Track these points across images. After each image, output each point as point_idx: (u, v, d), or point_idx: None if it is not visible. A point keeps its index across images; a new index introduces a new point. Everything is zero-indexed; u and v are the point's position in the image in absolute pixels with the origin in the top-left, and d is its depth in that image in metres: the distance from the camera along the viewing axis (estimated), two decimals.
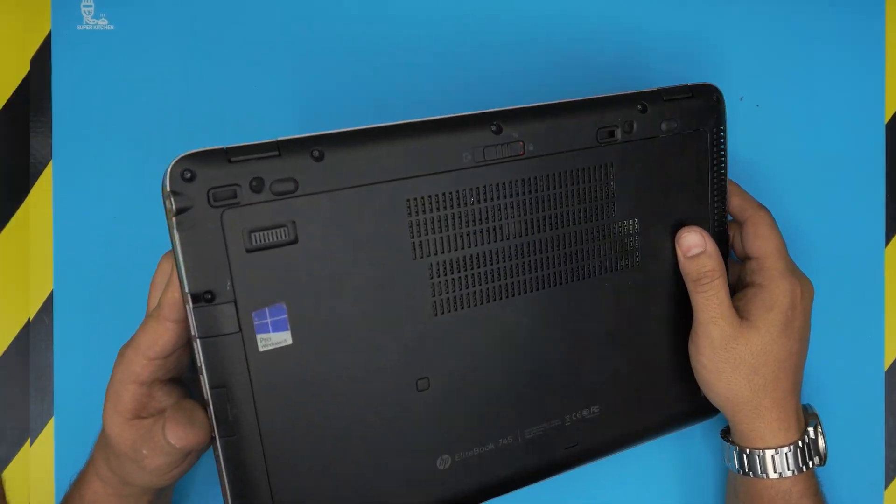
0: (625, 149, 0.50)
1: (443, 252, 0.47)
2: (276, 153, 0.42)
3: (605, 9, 0.62)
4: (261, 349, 0.43)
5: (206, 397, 0.44)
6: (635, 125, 0.50)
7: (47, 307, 0.60)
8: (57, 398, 0.60)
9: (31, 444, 0.60)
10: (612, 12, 0.62)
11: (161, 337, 0.45)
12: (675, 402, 0.56)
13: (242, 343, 0.43)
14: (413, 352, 0.47)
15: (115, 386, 0.47)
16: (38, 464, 0.60)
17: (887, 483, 0.63)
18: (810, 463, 0.54)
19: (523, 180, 0.48)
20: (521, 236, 0.49)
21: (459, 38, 0.61)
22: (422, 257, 0.46)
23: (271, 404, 0.44)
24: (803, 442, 0.54)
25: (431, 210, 0.46)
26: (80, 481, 0.52)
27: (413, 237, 0.46)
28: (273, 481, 0.45)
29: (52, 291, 0.60)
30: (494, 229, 0.48)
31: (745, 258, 0.56)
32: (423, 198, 0.46)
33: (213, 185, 0.41)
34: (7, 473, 0.60)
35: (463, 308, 0.48)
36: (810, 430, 0.55)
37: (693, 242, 0.52)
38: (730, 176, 0.55)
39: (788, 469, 0.53)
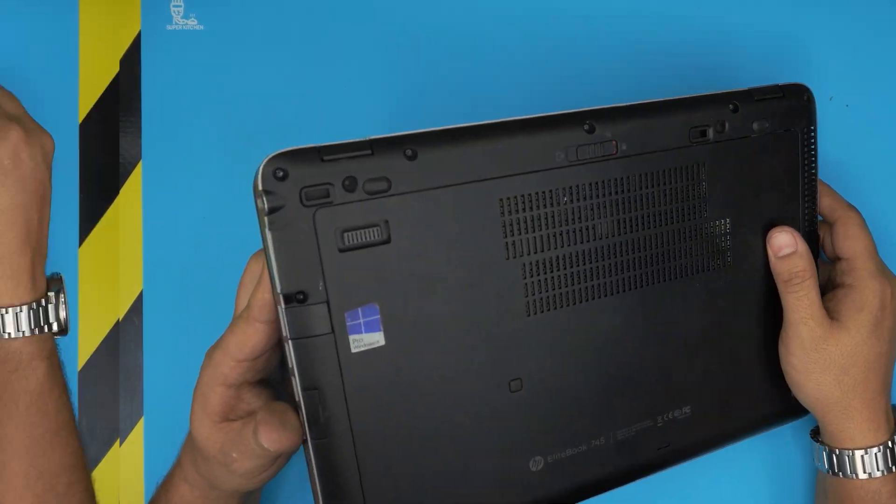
0: (716, 148, 0.50)
1: (536, 252, 0.46)
2: (369, 152, 0.42)
3: (695, 9, 0.62)
4: (353, 350, 0.43)
5: (297, 399, 0.43)
6: (727, 125, 0.50)
7: (137, 307, 0.60)
8: (146, 398, 0.60)
9: (120, 445, 0.61)
10: (703, 12, 0.62)
11: (250, 338, 0.45)
12: (765, 403, 0.56)
13: (335, 344, 0.42)
14: (506, 352, 0.46)
15: (203, 388, 0.46)
16: (128, 464, 0.61)
17: None
18: None
19: (616, 180, 0.48)
20: (613, 236, 0.48)
21: (551, 38, 0.61)
22: (515, 257, 0.46)
23: (363, 406, 0.43)
24: (893, 442, 0.54)
25: (524, 210, 0.46)
26: (166, 485, 0.52)
27: (506, 237, 0.45)
28: (365, 483, 0.44)
29: (141, 291, 0.60)
30: (587, 229, 0.47)
31: (835, 259, 0.56)
32: (515, 197, 0.45)
33: (305, 184, 0.41)
34: (97, 473, 0.60)
35: (555, 308, 0.47)
36: None
37: (784, 242, 0.52)
38: (819, 176, 0.55)
39: (878, 469, 0.53)
